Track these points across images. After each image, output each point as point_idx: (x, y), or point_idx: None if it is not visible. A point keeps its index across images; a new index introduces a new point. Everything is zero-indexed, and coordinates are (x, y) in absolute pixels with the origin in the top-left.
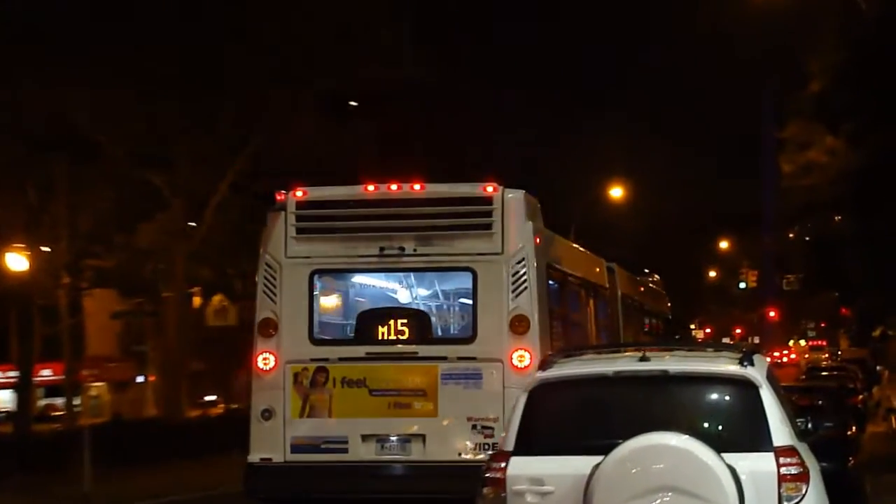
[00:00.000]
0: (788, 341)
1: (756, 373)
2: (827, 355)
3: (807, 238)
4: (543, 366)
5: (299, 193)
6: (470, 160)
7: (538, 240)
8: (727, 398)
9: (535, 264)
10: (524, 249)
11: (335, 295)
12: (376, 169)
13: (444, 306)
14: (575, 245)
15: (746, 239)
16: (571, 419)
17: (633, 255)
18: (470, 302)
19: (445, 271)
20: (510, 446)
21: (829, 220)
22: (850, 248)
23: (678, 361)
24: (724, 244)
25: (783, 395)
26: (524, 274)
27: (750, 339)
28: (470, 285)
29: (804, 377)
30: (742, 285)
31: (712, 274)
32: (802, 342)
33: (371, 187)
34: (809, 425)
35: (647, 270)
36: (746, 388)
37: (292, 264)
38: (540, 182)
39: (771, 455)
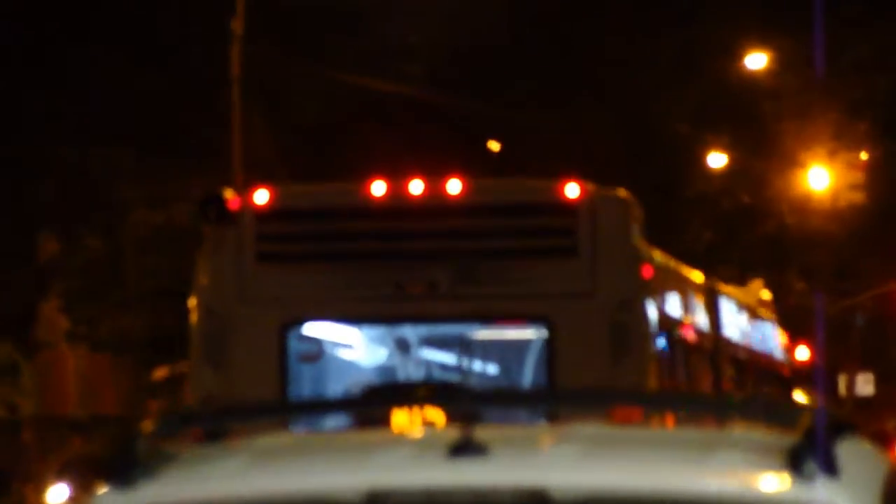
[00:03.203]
0: None
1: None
2: None
3: None
4: (119, 471)
5: (263, 196)
6: None
7: (648, 270)
8: None
9: (646, 309)
10: (630, 286)
11: (322, 362)
12: None
13: (501, 379)
14: (675, 264)
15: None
16: None
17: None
18: (543, 372)
19: (503, 323)
20: None
21: None
22: None
23: (586, 458)
24: (759, 58)
25: None
26: (631, 325)
27: (844, 380)
28: (542, 345)
29: None
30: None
31: (716, 162)
32: None
33: (380, 186)
34: None
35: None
36: None
37: (251, 313)
38: None
39: None
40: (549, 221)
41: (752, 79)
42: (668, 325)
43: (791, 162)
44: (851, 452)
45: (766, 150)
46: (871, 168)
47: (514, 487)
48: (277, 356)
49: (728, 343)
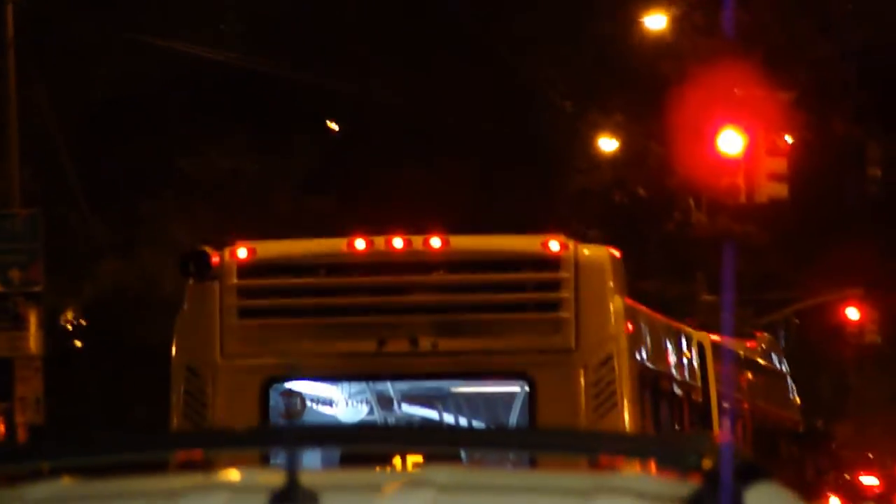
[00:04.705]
0: None
1: None
2: None
3: None
4: None
5: (243, 252)
6: None
7: (630, 325)
8: None
9: (628, 366)
10: (612, 343)
11: (304, 419)
12: None
13: None
14: (660, 317)
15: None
16: None
17: None
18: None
19: (484, 379)
20: None
21: None
22: None
23: None
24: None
25: None
26: (611, 383)
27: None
28: (523, 401)
29: None
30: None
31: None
32: None
33: (362, 242)
34: None
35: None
36: None
37: (233, 370)
38: None
39: None
40: (531, 277)
41: (647, 40)
42: (654, 380)
43: (698, 144)
44: (765, 502)
45: (665, 130)
46: (798, 153)
47: None
48: (259, 413)
49: (723, 397)
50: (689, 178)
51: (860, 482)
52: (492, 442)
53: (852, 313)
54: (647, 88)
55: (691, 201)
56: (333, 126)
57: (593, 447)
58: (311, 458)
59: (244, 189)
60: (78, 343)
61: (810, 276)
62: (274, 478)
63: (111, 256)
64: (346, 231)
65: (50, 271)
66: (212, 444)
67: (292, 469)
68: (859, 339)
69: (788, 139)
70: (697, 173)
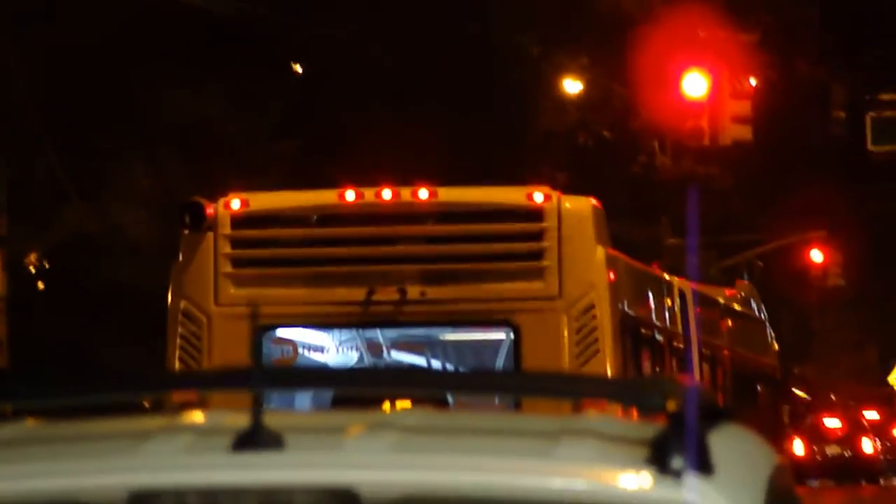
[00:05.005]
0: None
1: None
2: None
3: None
4: None
5: (236, 203)
6: None
7: (612, 274)
8: None
9: (610, 313)
10: (594, 291)
11: (296, 365)
12: None
13: None
14: (642, 267)
15: None
16: None
17: None
18: None
19: (470, 327)
20: None
21: None
22: None
23: (404, 451)
24: None
25: None
26: (594, 329)
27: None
28: (509, 348)
29: None
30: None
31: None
32: None
33: (352, 194)
34: None
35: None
36: None
37: (226, 317)
38: None
39: None
40: (516, 227)
41: None
42: (636, 327)
43: (662, 87)
44: (729, 444)
45: (630, 72)
46: (762, 95)
47: (313, 487)
48: (251, 359)
49: (703, 344)
50: (654, 120)
51: (823, 424)
52: (445, 384)
53: (816, 256)
54: (611, 29)
55: (655, 144)
56: (298, 68)
57: (556, 389)
58: (303, 402)
59: (210, 135)
60: (41, 285)
61: (774, 219)
62: (239, 420)
63: (75, 200)
64: (314, 176)
65: (14, 215)
66: (177, 386)
67: (257, 411)
68: (823, 282)
69: (752, 82)
70: (661, 116)
